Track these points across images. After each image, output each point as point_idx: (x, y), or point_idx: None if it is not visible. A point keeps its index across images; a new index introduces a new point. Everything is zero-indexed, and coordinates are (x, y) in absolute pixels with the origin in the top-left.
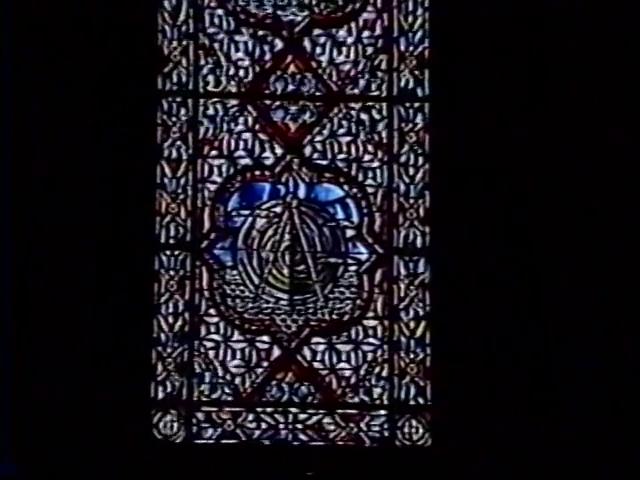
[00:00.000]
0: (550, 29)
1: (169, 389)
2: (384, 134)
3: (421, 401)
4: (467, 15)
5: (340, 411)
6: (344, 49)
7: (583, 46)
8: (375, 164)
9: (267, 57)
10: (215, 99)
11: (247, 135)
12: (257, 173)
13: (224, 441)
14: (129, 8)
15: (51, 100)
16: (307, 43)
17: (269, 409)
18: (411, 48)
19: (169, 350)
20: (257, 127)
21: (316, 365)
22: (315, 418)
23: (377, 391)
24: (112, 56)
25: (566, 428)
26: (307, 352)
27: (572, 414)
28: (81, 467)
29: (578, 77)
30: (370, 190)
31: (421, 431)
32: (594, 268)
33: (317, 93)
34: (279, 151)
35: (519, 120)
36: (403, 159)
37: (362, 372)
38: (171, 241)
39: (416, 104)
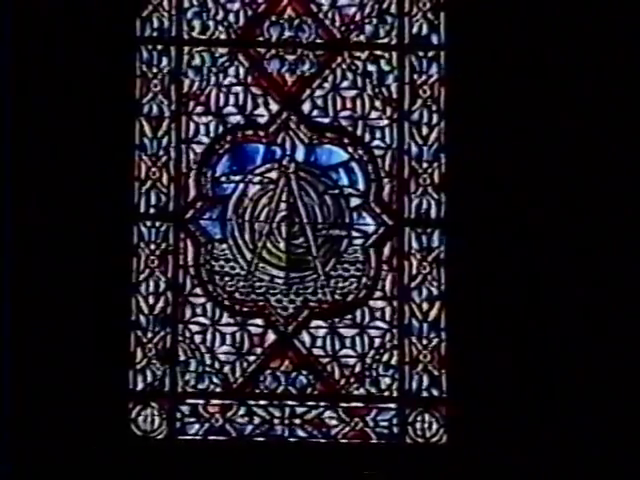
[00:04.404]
0: None
1: (149, 379)
2: (394, 88)
3: (435, 393)
4: None
5: (343, 404)
6: None
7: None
8: (383, 122)
9: None
10: (201, 47)
11: (238, 89)
12: (249, 133)
13: (212, 437)
14: None
15: (19, 50)
16: None
17: (263, 401)
18: None
19: (149, 335)
20: (249, 80)
21: (316, 352)
22: (315, 412)
23: (385, 382)
24: None
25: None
26: (306, 337)
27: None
28: (58, 466)
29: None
30: (378, 152)
31: (435, 427)
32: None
33: (317, 40)
34: (274, 107)
35: (546, 74)
36: (415, 117)
37: (368, 360)
38: (151, 210)
39: (430, 53)
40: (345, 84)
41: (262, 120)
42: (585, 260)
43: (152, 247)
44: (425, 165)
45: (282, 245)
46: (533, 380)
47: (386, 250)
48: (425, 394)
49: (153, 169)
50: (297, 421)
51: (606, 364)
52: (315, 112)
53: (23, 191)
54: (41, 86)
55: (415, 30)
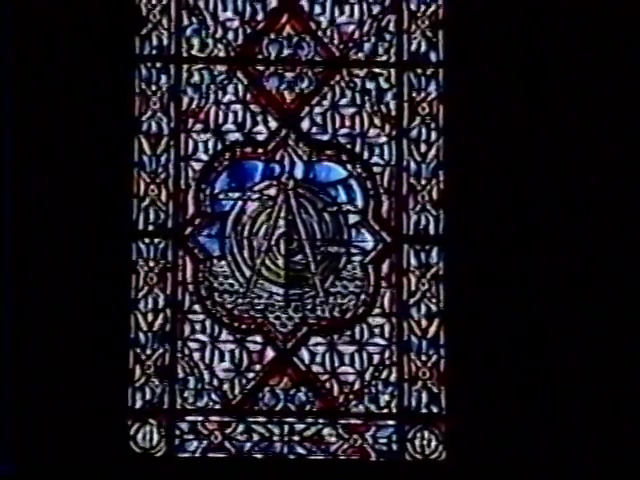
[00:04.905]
0: None
1: (148, 396)
2: (392, 105)
3: (434, 410)
4: None
5: (342, 421)
6: (347, 8)
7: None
8: (382, 139)
9: (259, 17)
10: (200, 65)
11: (237, 106)
12: (248, 150)
13: (211, 455)
14: None
15: (19, 66)
16: (304, 1)
17: (262, 418)
18: (423, 7)
19: (148, 352)
20: (248, 97)
21: (315, 369)
22: (314, 429)
23: (384, 398)
24: (83, 16)
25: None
26: (305, 354)
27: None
28: None
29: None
30: (376, 169)
31: (434, 444)
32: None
33: (316, 58)
34: (273, 124)
35: (544, 90)
36: (414, 134)
37: (367, 377)
38: (150, 227)
39: (429, 70)
40: (344, 101)
41: (261, 137)
42: (586, 275)
43: (151, 264)
44: (424, 182)
45: (281, 262)
46: (533, 396)
47: (385, 267)
48: (424, 411)
49: (152, 186)
50: (296, 438)
51: (608, 380)
52: (314, 129)
53: (22, 208)
54: (40, 104)
55: (414, 48)
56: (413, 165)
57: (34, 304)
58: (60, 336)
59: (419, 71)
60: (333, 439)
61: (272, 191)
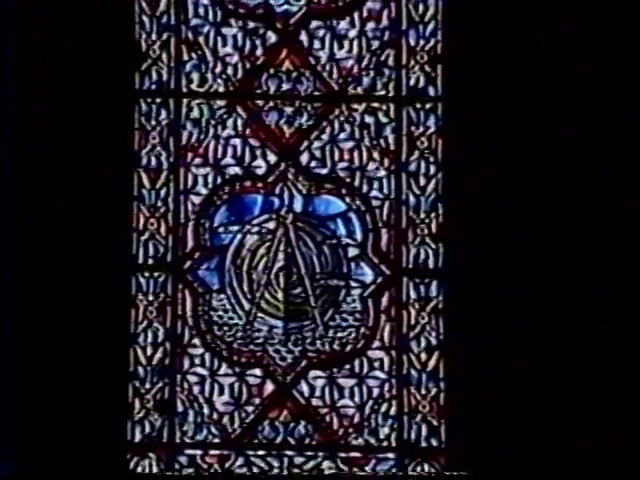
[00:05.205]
0: (574, 17)
1: (148, 430)
2: (391, 139)
3: (434, 443)
4: (484, 4)
5: (342, 454)
6: (346, 43)
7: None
8: (381, 173)
9: (259, 52)
10: (200, 100)
11: (236, 140)
12: (247, 184)
13: None
14: None
15: (18, 101)
16: (304, 36)
17: (261, 452)
18: (422, 42)
19: (148, 385)
20: (247, 131)
21: (314, 402)
22: (314, 462)
23: (384, 431)
24: (83, 51)
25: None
26: (304, 387)
27: (606, 455)
28: None
29: (603, 74)
30: (375, 203)
31: (434, 477)
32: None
33: (315, 93)
34: (272, 158)
35: (543, 125)
36: (413, 167)
37: (367, 410)
38: (150, 261)
39: (428, 105)
40: (343, 136)
41: (260, 171)
42: (587, 303)
43: (150, 298)
44: (423, 215)
45: (280, 295)
46: (534, 429)
47: (384, 300)
48: (424, 444)
49: (151, 220)
50: (296, 471)
51: (611, 405)
52: (313, 163)
53: (22, 241)
54: (41, 139)
55: (412, 82)
56: (412, 199)
57: (34, 339)
58: (60, 371)
59: (418, 105)
60: (333, 472)
61: (271, 224)
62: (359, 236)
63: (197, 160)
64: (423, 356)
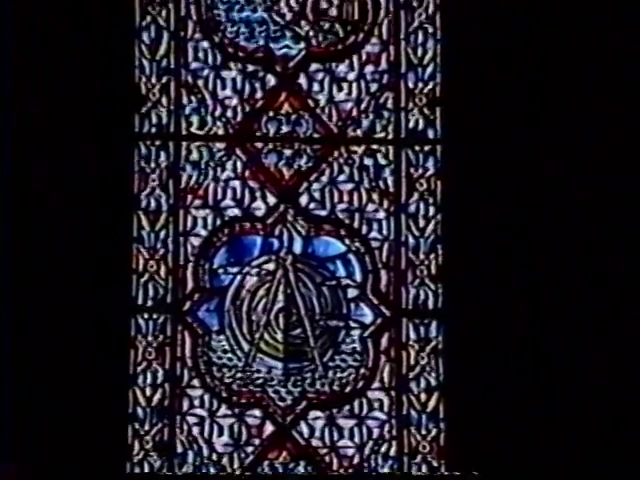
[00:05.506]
0: (572, 61)
1: (147, 470)
2: (390, 181)
3: None
4: (483, 48)
5: None
6: (345, 86)
7: (607, 69)
8: (380, 215)
9: (258, 95)
10: (199, 142)
11: (235, 183)
12: (247, 225)
13: None
14: (102, 40)
15: (17, 154)
16: (303, 79)
17: None
18: (421, 85)
19: (147, 427)
20: (247, 174)
21: (314, 443)
22: None
23: (384, 472)
24: (83, 94)
25: None
26: (304, 428)
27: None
28: None
29: (604, 104)
30: (375, 244)
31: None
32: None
33: (315, 135)
34: (272, 200)
35: (542, 164)
36: (412, 209)
37: (367, 451)
38: (149, 302)
39: (426, 147)
40: (342, 177)
41: (259, 213)
42: (591, 345)
43: (149, 339)
44: (422, 256)
45: (280, 336)
46: (537, 467)
47: (384, 341)
48: None
49: (151, 262)
50: None
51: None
52: (312, 205)
53: (21, 288)
54: (41, 182)
55: (411, 125)
56: (411, 240)
57: (34, 382)
58: (60, 413)
59: (417, 148)
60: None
61: (271, 266)
62: (358, 277)
63: (197, 202)
64: (423, 397)
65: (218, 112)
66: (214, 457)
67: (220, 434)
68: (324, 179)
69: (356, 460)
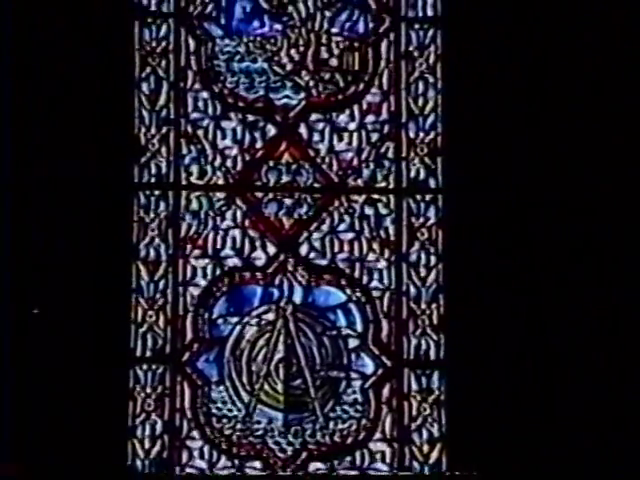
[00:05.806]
0: (573, 99)
1: None
2: (391, 230)
3: None
4: (484, 97)
5: None
6: (345, 136)
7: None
8: (381, 264)
9: (258, 145)
10: (199, 192)
11: (235, 232)
12: (247, 275)
13: None
14: (101, 91)
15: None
16: (303, 129)
17: None
18: (422, 134)
19: None
20: (247, 223)
21: None
22: None
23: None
24: (83, 145)
25: None
26: None
27: None
28: None
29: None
30: (376, 294)
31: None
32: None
33: (315, 184)
34: (272, 250)
35: (544, 207)
36: (413, 258)
37: None
38: (148, 353)
39: (428, 196)
40: (342, 227)
41: (260, 262)
42: (594, 380)
43: (148, 390)
44: (423, 306)
45: (280, 387)
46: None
47: (385, 391)
48: None
49: (150, 312)
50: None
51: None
52: (313, 254)
53: (21, 337)
54: (40, 230)
55: (412, 174)
56: (413, 289)
57: (35, 424)
58: (60, 465)
59: (418, 197)
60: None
61: (271, 316)
62: (359, 327)
63: (196, 252)
64: (425, 448)
65: (218, 162)
66: None
67: None
68: (324, 228)
69: None
